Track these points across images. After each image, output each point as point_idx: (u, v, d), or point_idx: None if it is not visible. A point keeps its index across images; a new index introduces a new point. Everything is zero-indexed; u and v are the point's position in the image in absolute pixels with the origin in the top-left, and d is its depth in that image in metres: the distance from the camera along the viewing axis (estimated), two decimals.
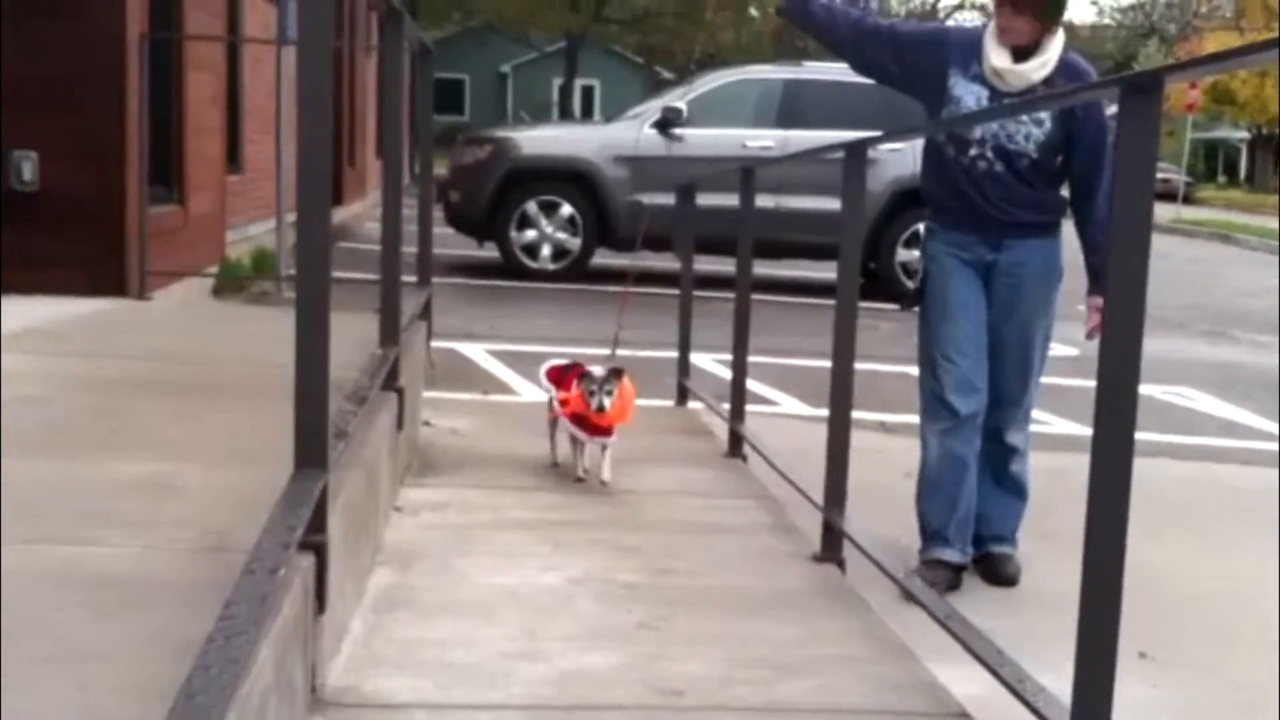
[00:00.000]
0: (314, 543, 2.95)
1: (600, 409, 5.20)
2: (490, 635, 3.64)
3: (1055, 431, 7.92)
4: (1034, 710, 2.95)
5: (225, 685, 2.10)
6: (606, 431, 5.36)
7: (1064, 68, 4.92)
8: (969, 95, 4.98)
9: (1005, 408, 5.04)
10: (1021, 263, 4.94)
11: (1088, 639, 2.74)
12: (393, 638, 3.58)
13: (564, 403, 5.39)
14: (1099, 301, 4.66)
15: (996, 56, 4.91)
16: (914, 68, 5.13)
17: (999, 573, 5.12)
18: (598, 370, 5.34)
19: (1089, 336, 4.80)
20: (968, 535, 5.03)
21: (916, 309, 5.10)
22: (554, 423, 5.60)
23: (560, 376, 5.53)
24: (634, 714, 3.17)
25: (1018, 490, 5.18)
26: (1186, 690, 3.64)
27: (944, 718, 3.26)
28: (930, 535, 5.02)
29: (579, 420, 5.35)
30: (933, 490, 4.98)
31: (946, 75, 5.03)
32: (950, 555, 4.97)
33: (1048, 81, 4.89)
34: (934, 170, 5.15)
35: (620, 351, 5.83)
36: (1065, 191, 5.05)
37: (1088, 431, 2.79)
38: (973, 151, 4.95)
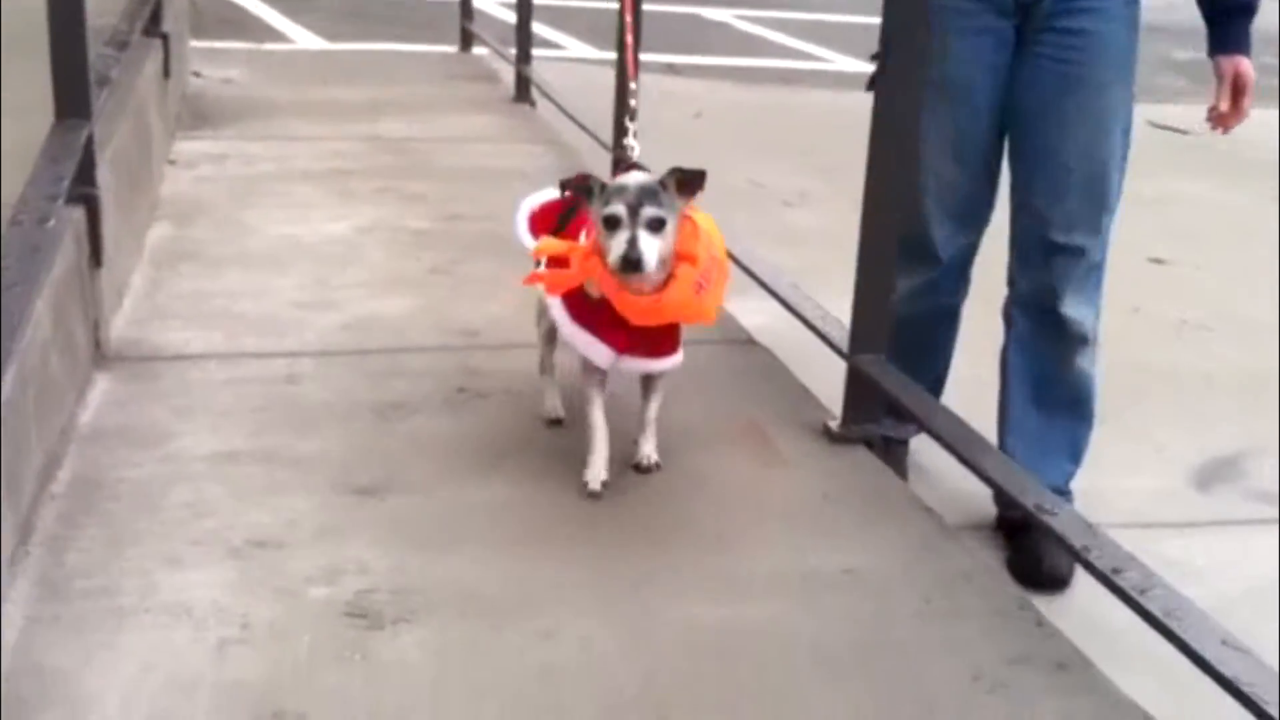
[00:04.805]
0: (84, 194, 2.83)
1: (635, 266, 2.34)
2: (280, 285, 3.59)
3: (839, 69, 7.99)
4: (819, 332, 3.08)
5: (1, 339, 2.04)
6: (661, 345, 2.58)
7: None
8: None
9: (1062, 257, 2.98)
10: (1085, 10, 2.91)
11: (867, 265, 2.85)
12: (178, 291, 3.50)
13: (556, 264, 2.58)
14: (1237, 64, 2.93)
15: None
16: None
17: (1039, 565, 2.89)
18: (633, 176, 2.45)
19: (1219, 125, 2.99)
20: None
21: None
22: (548, 332, 2.81)
23: (554, 223, 2.72)
24: (430, 355, 3.20)
25: (1079, 407, 3.11)
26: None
27: (732, 344, 3.38)
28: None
29: (591, 313, 2.54)
30: (899, 347, 2.97)
31: None
32: (901, 433, 3.24)
33: None
34: None
35: None
36: None
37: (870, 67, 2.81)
38: None
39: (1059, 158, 2.93)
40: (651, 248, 2.34)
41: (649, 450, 2.64)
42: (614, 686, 1.98)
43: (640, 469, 2.63)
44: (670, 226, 2.37)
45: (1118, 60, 2.92)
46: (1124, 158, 2.97)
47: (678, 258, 2.42)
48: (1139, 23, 2.94)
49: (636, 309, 2.46)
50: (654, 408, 2.63)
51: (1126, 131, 2.97)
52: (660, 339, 2.55)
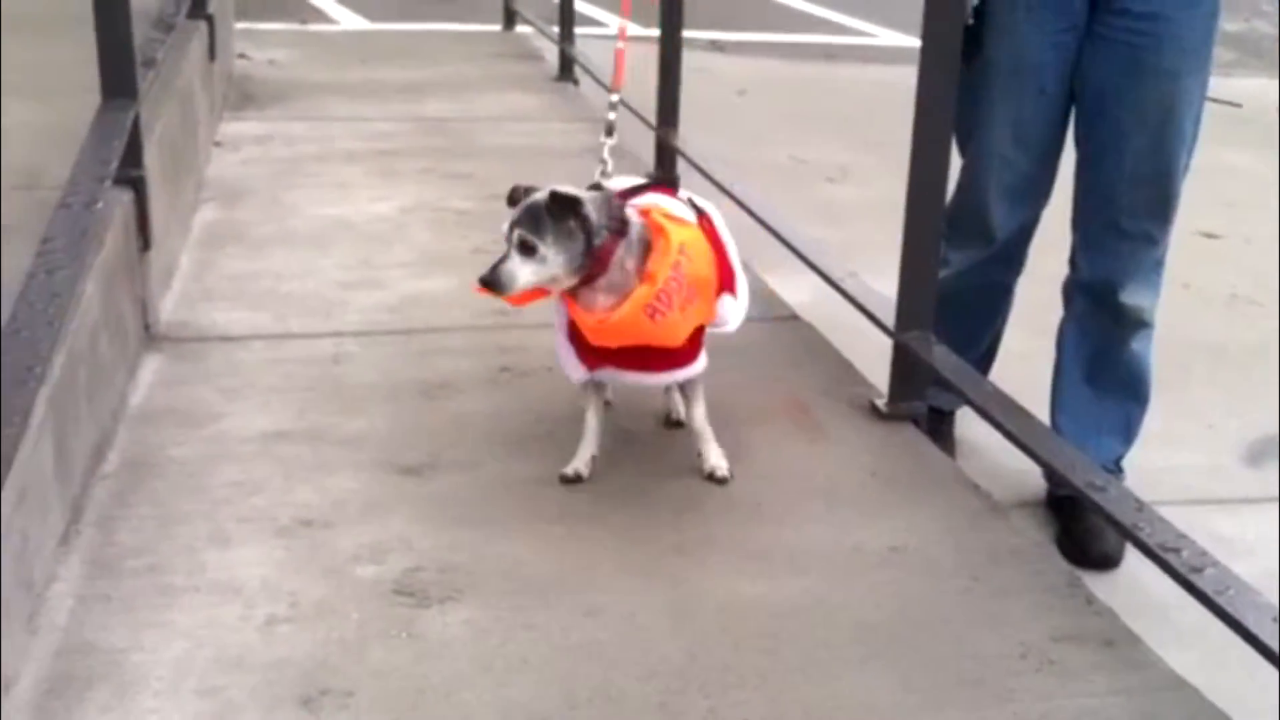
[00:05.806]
0: (131, 176, 2.84)
1: (487, 285, 2.29)
2: (324, 266, 3.60)
3: (884, 44, 7.91)
4: (864, 309, 3.06)
5: (51, 319, 2.05)
6: (655, 359, 2.48)
7: None
8: None
9: (1130, 243, 2.94)
10: None
11: (913, 242, 2.82)
12: (225, 273, 3.52)
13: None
14: None
15: None
16: None
17: (1089, 543, 2.88)
18: (536, 194, 2.35)
19: None
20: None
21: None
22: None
23: None
24: (473, 334, 3.21)
25: (1133, 387, 3.07)
26: None
27: (777, 321, 3.37)
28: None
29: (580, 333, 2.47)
30: (948, 322, 2.93)
31: None
32: (947, 403, 3.18)
33: None
34: None
35: None
36: None
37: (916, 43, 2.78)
38: None
39: (1129, 144, 2.85)
40: (519, 270, 2.26)
41: (715, 460, 2.55)
42: (658, 663, 1.98)
43: (714, 479, 2.53)
44: (549, 253, 2.25)
45: (1191, 49, 2.82)
46: (1191, 148, 2.90)
47: (642, 277, 2.32)
48: (1219, 11, 2.82)
49: (591, 328, 2.39)
50: (698, 415, 2.54)
51: (1196, 121, 2.88)
52: (651, 353, 2.44)
